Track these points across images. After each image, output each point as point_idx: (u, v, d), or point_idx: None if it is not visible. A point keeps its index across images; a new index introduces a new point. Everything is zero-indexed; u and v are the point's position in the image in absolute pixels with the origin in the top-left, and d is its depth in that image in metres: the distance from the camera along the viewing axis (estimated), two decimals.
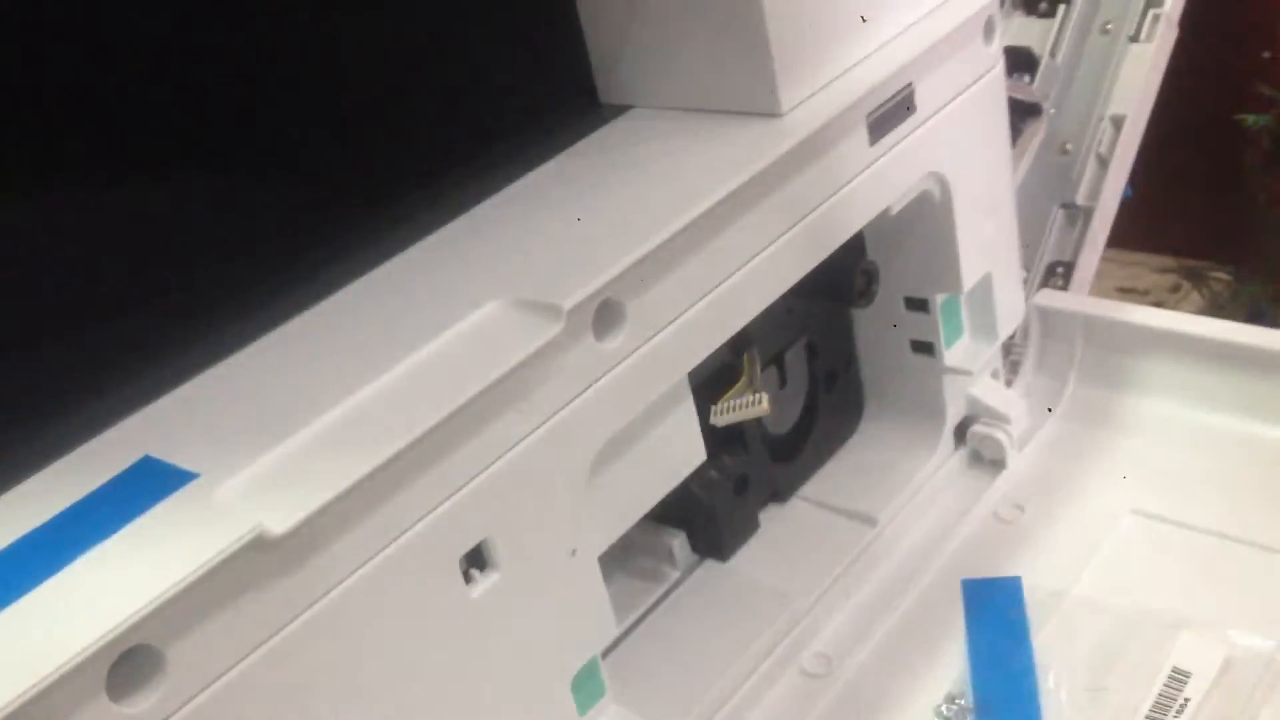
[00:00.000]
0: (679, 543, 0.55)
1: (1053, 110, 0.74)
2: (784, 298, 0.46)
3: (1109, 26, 0.76)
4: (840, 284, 0.50)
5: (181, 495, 0.32)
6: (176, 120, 0.52)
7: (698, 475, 0.47)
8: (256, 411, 0.35)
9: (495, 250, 0.41)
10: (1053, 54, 0.75)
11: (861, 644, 0.51)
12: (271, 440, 0.33)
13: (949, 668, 0.49)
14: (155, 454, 0.33)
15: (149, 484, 0.32)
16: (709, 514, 0.54)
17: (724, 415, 0.47)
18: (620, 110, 0.48)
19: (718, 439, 0.49)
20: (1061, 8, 0.76)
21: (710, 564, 0.55)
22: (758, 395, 0.47)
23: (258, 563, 0.31)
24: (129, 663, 0.29)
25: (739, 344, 0.48)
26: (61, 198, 0.48)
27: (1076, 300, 0.62)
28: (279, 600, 0.32)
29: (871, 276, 0.51)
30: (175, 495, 0.31)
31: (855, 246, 0.53)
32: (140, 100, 0.52)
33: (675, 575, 0.55)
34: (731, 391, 0.48)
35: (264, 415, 0.35)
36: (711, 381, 0.48)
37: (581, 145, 0.47)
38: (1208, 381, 0.56)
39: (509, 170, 0.45)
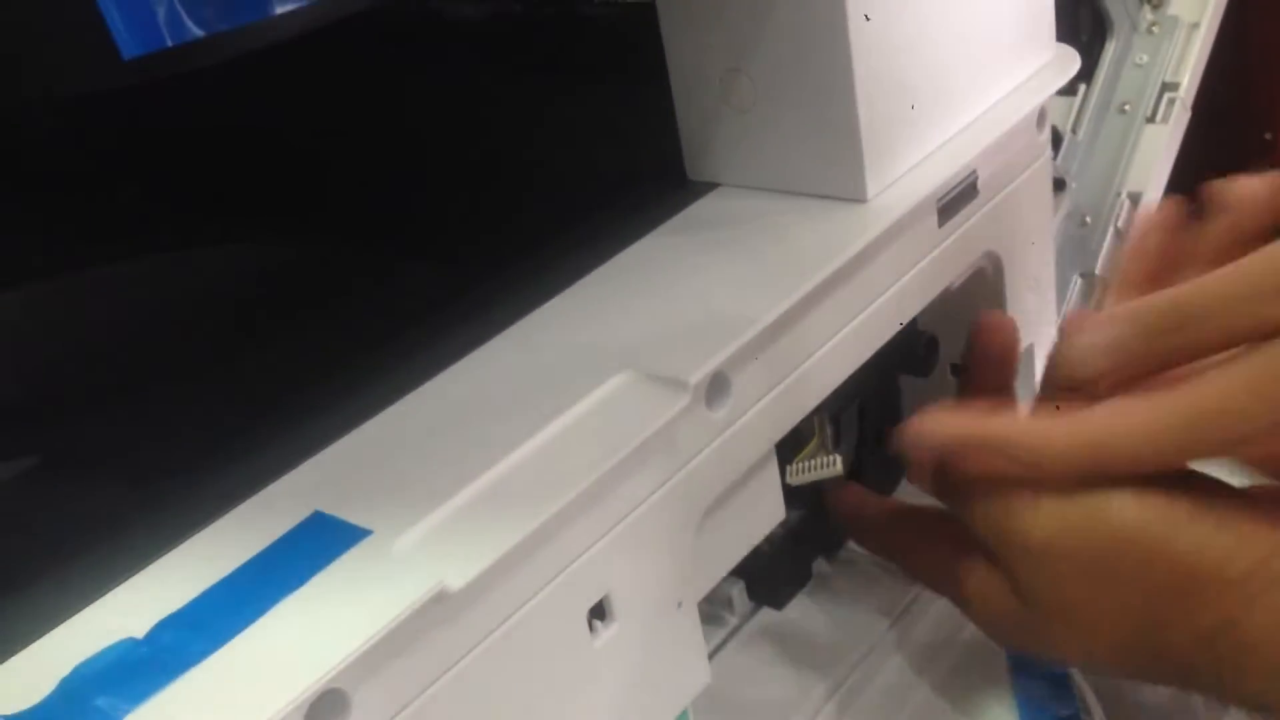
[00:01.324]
0: (738, 591, 0.58)
1: (1074, 185, 0.79)
2: None
3: (1126, 106, 0.80)
4: (909, 355, 0.54)
5: (360, 550, 0.34)
6: (326, 199, 0.55)
7: None
8: (414, 470, 0.38)
9: (610, 323, 0.44)
10: (1074, 130, 0.80)
11: (914, 690, 0.54)
12: (436, 500, 0.36)
13: (997, 713, 0.53)
14: (324, 509, 0.36)
15: (326, 538, 0.35)
16: (767, 564, 0.57)
17: (800, 475, 0.50)
18: (707, 187, 0.52)
19: None
20: (1082, 86, 0.81)
21: (766, 612, 0.58)
22: (832, 457, 0.50)
23: (431, 614, 0.33)
24: (320, 704, 0.32)
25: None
26: (219, 257, 0.51)
27: None
28: (445, 647, 0.34)
29: (934, 349, 0.55)
30: (354, 550, 0.34)
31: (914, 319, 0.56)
32: (301, 181, 0.56)
33: (734, 622, 0.58)
34: (805, 452, 0.51)
35: (422, 474, 0.38)
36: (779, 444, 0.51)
37: (675, 222, 0.50)
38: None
39: (607, 245, 0.48)
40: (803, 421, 0.53)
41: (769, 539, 0.56)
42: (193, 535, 0.36)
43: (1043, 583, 0.41)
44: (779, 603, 0.58)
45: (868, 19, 0.45)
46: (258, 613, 0.33)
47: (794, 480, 0.51)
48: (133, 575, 0.35)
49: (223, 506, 0.37)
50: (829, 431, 0.53)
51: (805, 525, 0.58)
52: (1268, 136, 0.96)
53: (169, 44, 0.25)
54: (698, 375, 0.40)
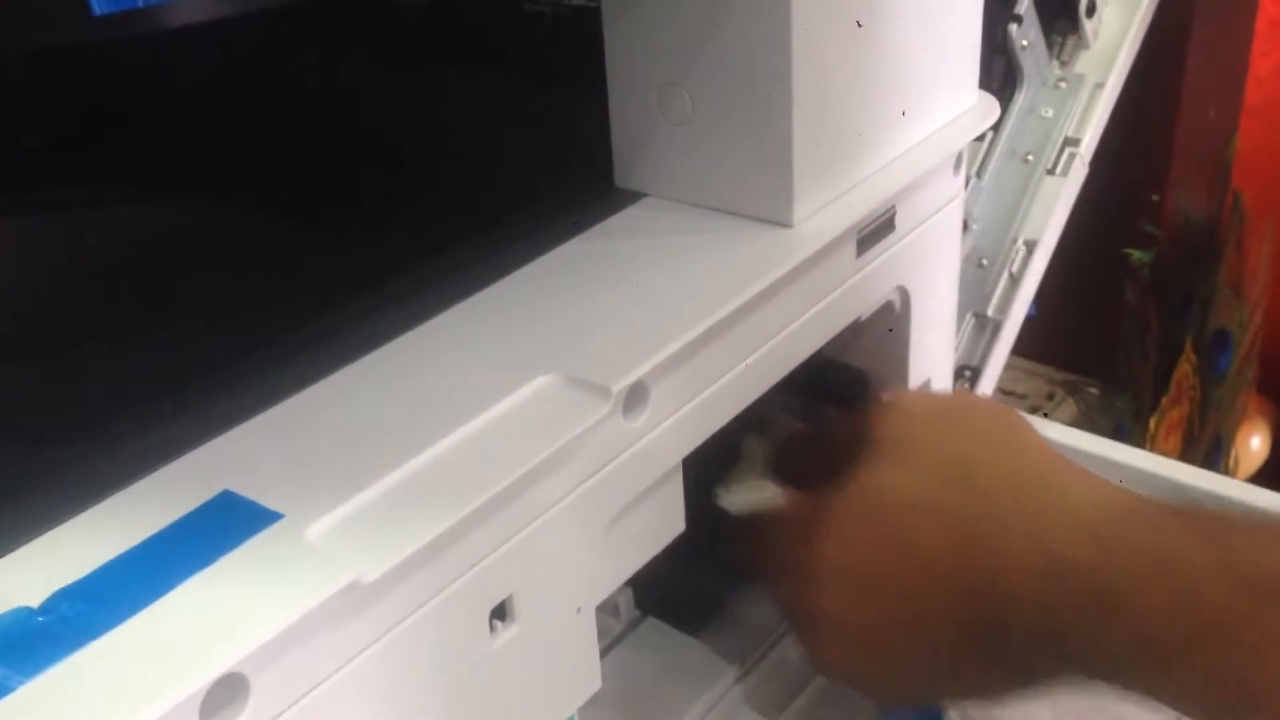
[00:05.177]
0: (625, 598, 0.58)
1: (975, 227, 0.81)
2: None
3: (1029, 157, 0.83)
4: (842, 389, 0.55)
5: (271, 533, 0.34)
6: (254, 177, 0.54)
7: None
8: (329, 456, 0.37)
9: (533, 324, 0.44)
10: (979, 174, 0.82)
11: (796, 700, 0.55)
12: (350, 489, 0.35)
13: None
14: (233, 488, 0.36)
15: (235, 519, 0.34)
16: (693, 590, 0.56)
17: (737, 502, 0.50)
18: (635, 197, 0.52)
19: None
20: (989, 133, 0.83)
21: (652, 620, 0.59)
22: (771, 484, 0.50)
23: (339, 605, 0.33)
24: (219, 688, 0.31)
25: (749, 429, 0.51)
26: (146, 223, 0.50)
27: None
28: (348, 638, 0.34)
29: (866, 384, 0.56)
30: (265, 533, 0.34)
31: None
32: (232, 156, 0.54)
33: (619, 629, 0.58)
34: (737, 476, 0.51)
35: (337, 461, 0.37)
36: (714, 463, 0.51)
37: (601, 228, 0.50)
38: None
39: (532, 246, 0.48)
40: (736, 444, 0.52)
41: (692, 567, 0.56)
42: (94, 505, 0.35)
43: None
44: (695, 629, 0.57)
45: (811, 48, 0.46)
46: (161, 590, 0.32)
47: (728, 505, 0.50)
48: (28, 542, 0.34)
49: (127, 477, 0.36)
50: (758, 455, 0.52)
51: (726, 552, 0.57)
52: (1155, 198, 1.00)
53: (140, 4, 0.24)
54: (621, 383, 0.40)
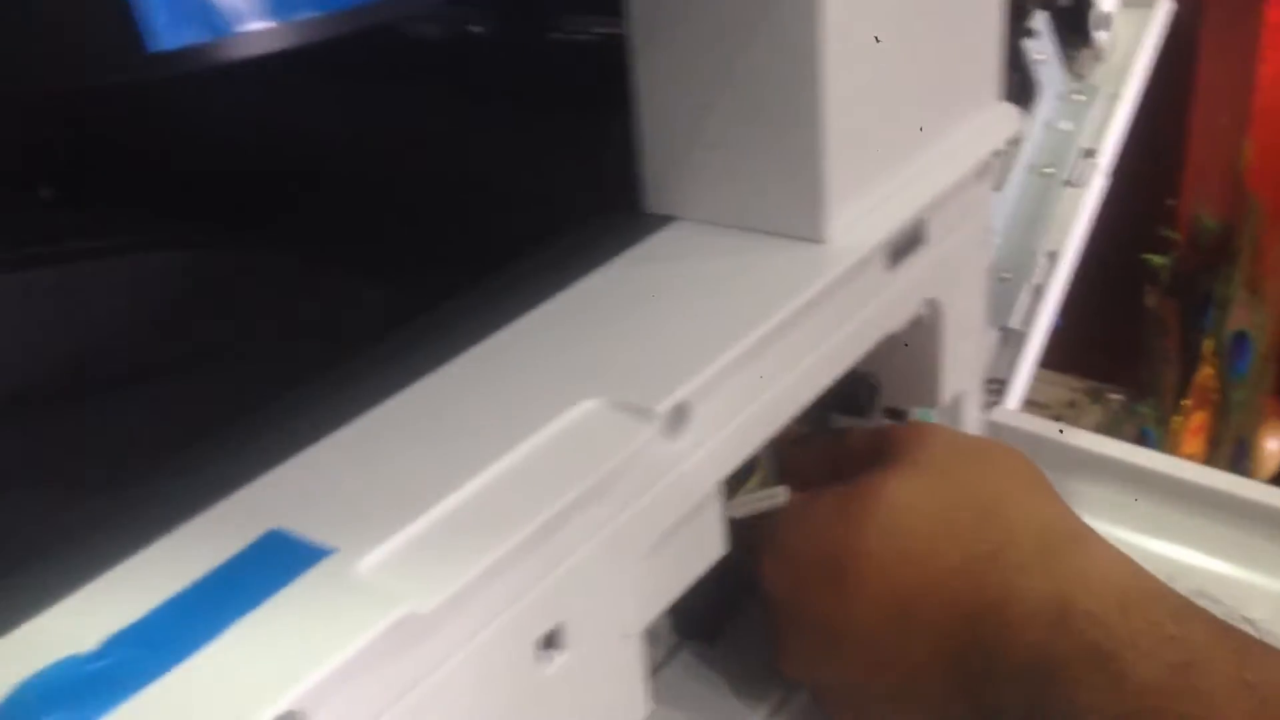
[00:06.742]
0: (663, 624, 0.58)
1: (996, 241, 0.81)
2: None
3: (1048, 169, 0.83)
4: (851, 397, 0.55)
5: (322, 569, 0.33)
6: (292, 214, 0.54)
7: None
8: (374, 489, 0.37)
9: (573, 349, 0.44)
10: (998, 188, 0.82)
11: None
12: (399, 521, 0.35)
13: None
14: (279, 525, 0.35)
15: (283, 557, 0.34)
16: (695, 599, 0.56)
17: (743, 507, 0.50)
18: (664, 220, 0.52)
19: None
20: (1008, 147, 0.83)
21: (692, 647, 0.58)
22: (778, 489, 0.50)
23: (396, 636, 0.33)
24: None
25: None
26: (172, 267, 0.50)
27: (1027, 420, 0.67)
28: (405, 669, 0.34)
29: (875, 391, 0.56)
30: (316, 568, 0.33)
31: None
32: (269, 195, 0.54)
33: (659, 655, 0.57)
34: (749, 484, 0.51)
35: (383, 493, 0.37)
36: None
37: (635, 252, 0.50)
38: (1148, 510, 0.62)
39: (566, 272, 0.48)
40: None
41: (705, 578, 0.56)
42: (139, 550, 0.35)
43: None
44: (710, 637, 0.58)
45: (839, 66, 0.46)
46: (216, 630, 0.31)
47: (735, 513, 0.50)
48: (76, 590, 0.33)
49: (171, 521, 0.35)
50: (773, 463, 0.53)
51: (730, 557, 0.57)
52: (1171, 203, 1.00)
53: (209, 39, 0.23)
54: (664, 404, 0.40)
